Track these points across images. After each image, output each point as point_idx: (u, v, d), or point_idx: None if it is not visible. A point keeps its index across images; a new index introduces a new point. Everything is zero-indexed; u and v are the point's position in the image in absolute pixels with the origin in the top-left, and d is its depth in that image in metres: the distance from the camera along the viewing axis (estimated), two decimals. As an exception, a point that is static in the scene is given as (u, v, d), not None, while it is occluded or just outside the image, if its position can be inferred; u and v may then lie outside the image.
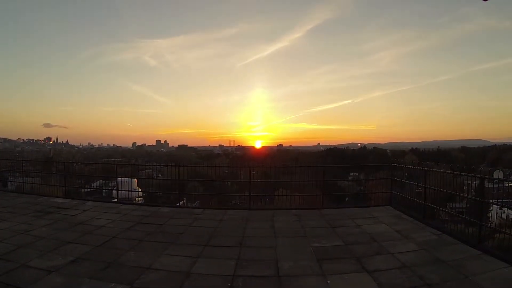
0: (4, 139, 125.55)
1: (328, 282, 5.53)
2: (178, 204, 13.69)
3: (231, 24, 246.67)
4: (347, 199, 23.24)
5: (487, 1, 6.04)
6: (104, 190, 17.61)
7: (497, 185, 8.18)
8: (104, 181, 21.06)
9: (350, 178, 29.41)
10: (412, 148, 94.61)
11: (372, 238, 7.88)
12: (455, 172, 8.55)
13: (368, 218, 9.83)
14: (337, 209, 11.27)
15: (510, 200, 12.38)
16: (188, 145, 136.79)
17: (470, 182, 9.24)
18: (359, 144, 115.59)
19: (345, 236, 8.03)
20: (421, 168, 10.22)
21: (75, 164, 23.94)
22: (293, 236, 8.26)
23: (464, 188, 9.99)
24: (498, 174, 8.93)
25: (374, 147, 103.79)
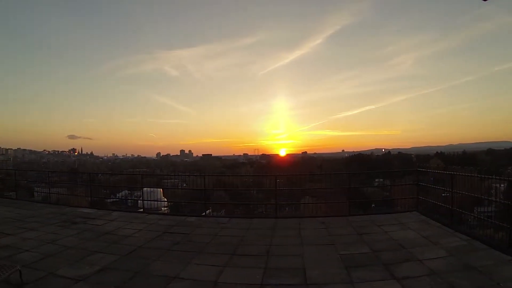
0: (30, 151, 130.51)
1: (357, 290, 5.59)
2: (204, 214, 13.96)
3: (250, 33, 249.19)
4: (373, 205, 23.32)
5: None
6: (129, 200, 18.14)
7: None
8: (129, 191, 21.67)
9: (375, 184, 29.28)
10: (437, 152, 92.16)
11: (400, 244, 7.89)
12: (482, 176, 8.45)
13: (395, 225, 9.86)
14: (363, 216, 11.43)
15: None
16: (212, 155, 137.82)
17: (497, 185, 9.11)
18: (383, 150, 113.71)
19: (373, 243, 8.09)
20: (447, 172, 10.18)
21: (100, 174, 24.82)
22: (320, 244, 8.37)
23: (492, 191, 9.85)
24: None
25: (399, 152, 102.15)
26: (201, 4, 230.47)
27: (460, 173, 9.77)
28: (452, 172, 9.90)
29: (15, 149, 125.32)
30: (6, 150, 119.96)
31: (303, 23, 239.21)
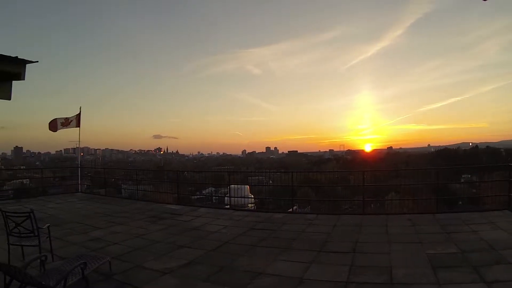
0: (118, 151, 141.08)
1: (442, 291, 5.34)
2: (290, 210, 14.02)
3: (330, 27, 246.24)
4: (460, 202, 22.06)
5: None
6: (214, 197, 18.75)
7: None
8: (214, 188, 22.42)
9: (462, 180, 27.53)
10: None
11: (490, 245, 7.34)
12: None
13: (485, 224, 9.28)
14: (451, 214, 11.04)
15: None
16: (298, 151, 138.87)
17: None
18: (470, 144, 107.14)
19: (461, 243, 7.65)
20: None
21: (185, 172, 25.92)
22: (407, 242, 8.13)
23: None
24: None
25: (487, 146, 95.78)
26: (278, 1, 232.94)
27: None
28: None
29: (103, 149, 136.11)
30: (95, 150, 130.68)
31: (382, 14, 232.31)
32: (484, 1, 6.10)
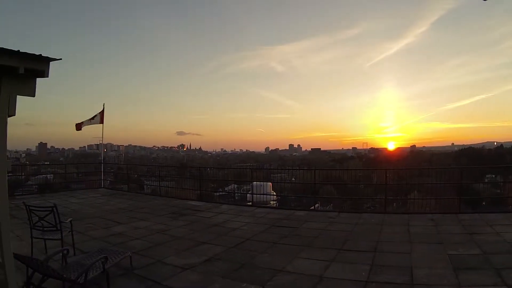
0: (140, 147, 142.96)
1: (463, 294, 5.28)
2: (312, 208, 14.05)
3: (352, 24, 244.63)
4: (483, 203, 21.62)
5: None
6: (237, 194, 18.90)
7: None
8: (237, 185, 22.56)
9: (486, 180, 27.43)
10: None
11: None
12: None
13: (509, 225, 9.15)
14: (474, 214, 10.83)
15: None
16: (321, 149, 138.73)
17: None
18: (495, 143, 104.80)
19: (483, 244, 7.52)
20: None
21: (208, 169, 26.16)
22: (429, 242, 8.07)
23: None
24: None
25: None
26: None
27: None
28: None
29: (126, 146, 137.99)
30: (118, 146, 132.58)
31: (405, 10, 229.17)
32: (484, 1, 6.11)
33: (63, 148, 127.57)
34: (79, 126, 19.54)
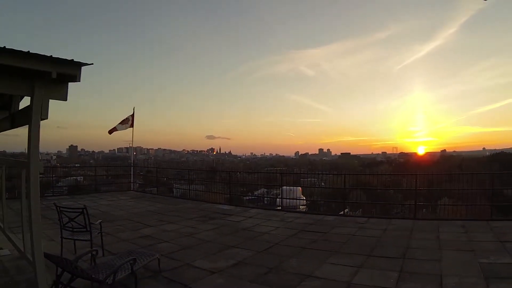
0: (170, 150, 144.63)
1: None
2: (342, 213, 14.03)
3: (381, 27, 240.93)
4: None
5: None
6: (266, 198, 18.98)
7: None
8: (266, 189, 22.66)
9: None
10: None
11: None
12: None
13: None
14: (506, 222, 10.61)
15: None
16: (351, 153, 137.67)
17: None
18: None
19: None
20: None
21: (238, 173, 26.35)
22: (459, 249, 7.92)
23: None
24: None
25: None
26: (329, 1, 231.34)
27: None
28: None
29: (156, 149, 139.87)
30: (148, 150, 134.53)
31: (434, 11, 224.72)
32: (484, 1, 6.03)
33: (93, 151, 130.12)
34: (111, 131, 20.13)
